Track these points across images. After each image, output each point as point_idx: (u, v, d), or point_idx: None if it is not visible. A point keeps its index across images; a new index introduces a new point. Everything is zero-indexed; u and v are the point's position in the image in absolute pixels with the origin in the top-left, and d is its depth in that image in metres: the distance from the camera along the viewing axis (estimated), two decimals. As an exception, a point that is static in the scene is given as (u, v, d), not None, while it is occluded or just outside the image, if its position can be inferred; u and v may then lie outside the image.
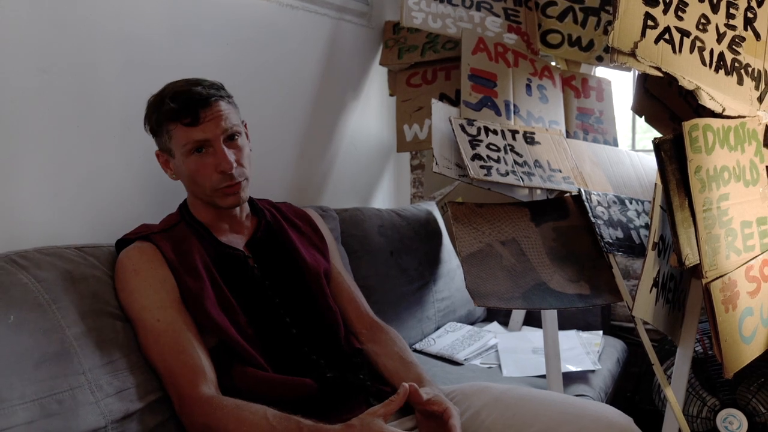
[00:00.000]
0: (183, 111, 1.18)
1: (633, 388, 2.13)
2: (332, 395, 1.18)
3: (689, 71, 1.44)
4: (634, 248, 1.72)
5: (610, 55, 1.37)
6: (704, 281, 1.37)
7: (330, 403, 1.16)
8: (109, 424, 1.07)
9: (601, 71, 2.28)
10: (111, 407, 1.08)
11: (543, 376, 1.69)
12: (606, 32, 2.06)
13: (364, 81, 2.30)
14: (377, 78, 2.35)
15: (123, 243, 1.25)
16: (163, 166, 1.30)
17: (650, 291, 1.44)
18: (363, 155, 2.34)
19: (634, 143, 2.43)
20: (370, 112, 2.36)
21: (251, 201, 1.38)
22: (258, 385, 1.16)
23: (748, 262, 1.46)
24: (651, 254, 1.42)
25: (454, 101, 2.04)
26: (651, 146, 1.42)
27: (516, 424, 1.10)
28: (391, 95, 2.28)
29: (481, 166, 1.68)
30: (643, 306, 1.41)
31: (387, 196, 2.52)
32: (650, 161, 2.06)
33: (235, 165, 1.22)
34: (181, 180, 1.28)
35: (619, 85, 2.23)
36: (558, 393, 1.46)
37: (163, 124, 1.22)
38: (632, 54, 1.37)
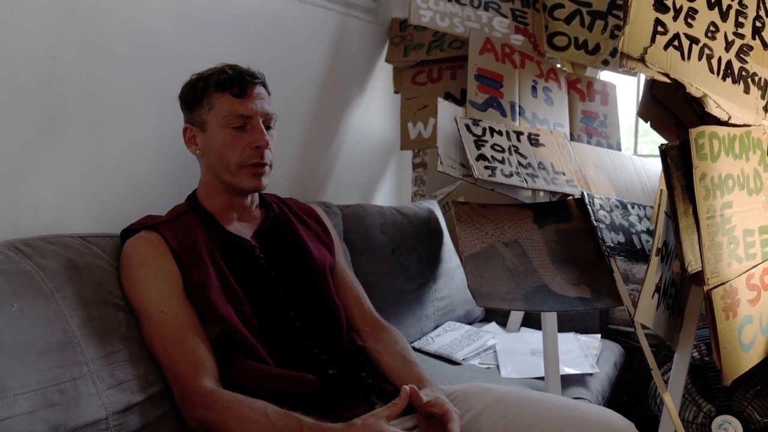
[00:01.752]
0: (234, 81, 1.24)
1: (629, 392, 2.13)
2: (334, 392, 1.18)
3: (697, 78, 1.45)
4: (635, 253, 1.72)
5: (619, 60, 1.37)
6: (706, 288, 1.38)
7: (331, 399, 1.16)
8: (110, 416, 1.07)
9: (606, 75, 2.28)
10: (112, 399, 1.08)
11: (541, 378, 1.69)
12: (613, 36, 2.06)
13: (370, 77, 2.30)
14: (382, 75, 2.34)
15: (128, 233, 1.25)
16: (188, 141, 1.30)
17: (652, 297, 1.44)
18: (366, 152, 2.34)
19: (636, 148, 2.44)
20: (375, 108, 2.36)
21: (260, 194, 1.38)
22: (259, 379, 1.16)
23: (749, 270, 1.47)
24: (654, 260, 1.43)
25: (459, 100, 2.04)
26: (651, 151, 1.42)
27: (517, 427, 1.11)
28: (395, 92, 2.28)
29: (486, 167, 1.68)
30: (645, 311, 1.42)
31: (388, 193, 2.51)
32: (652, 166, 2.07)
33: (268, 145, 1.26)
34: (204, 157, 1.28)
35: (624, 89, 2.23)
36: (559, 396, 1.46)
37: (208, 93, 1.25)
38: (642, 60, 1.37)
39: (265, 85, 1.30)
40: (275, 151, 1.31)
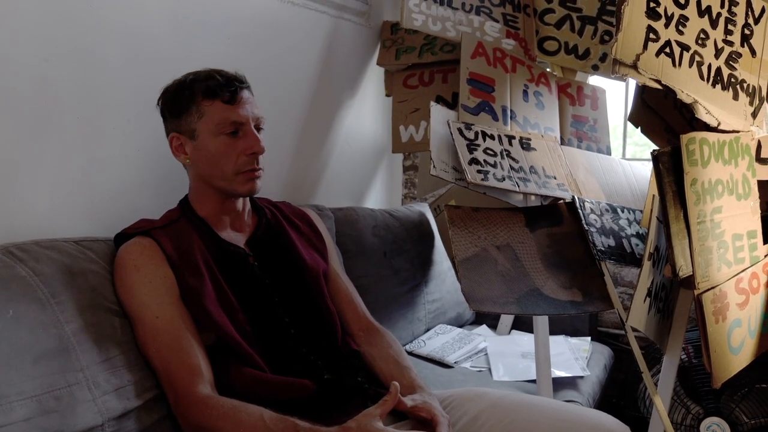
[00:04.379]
0: (224, 87, 1.21)
1: (618, 394, 2.15)
2: (329, 397, 1.18)
3: (688, 85, 1.47)
4: (625, 256, 1.74)
5: (612, 66, 1.38)
6: (696, 292, 1.40)
7: (327, 405, 1.16)
8: (106, 422, 1.06)
9: (595, 80, 2.30)
10: (108, 405, 1.07)
11: (533, 381, 1.71)
12: (602, 41, 2.08)
13: (361, 80, 2.30)
14: (374, 78, 2.35)
15: (122, 238, 1.24)
16: (175, 150, 1.27)
17: (644, 301, 1.46)
18: (357, 155, 2.34)
19: (625, 152, 2.46)
20: (366, 111, 2.36)
21: (252, 199, 1.37)
22: (255, 385, 1.15)
23: (738, 274, 1.49)
24: (647, 264, 1.44)
25: (451, 104, 2.05)
26: (635, 153, 1.44)
27: (513, 431, 1.11)
28: (387, 96, 2.28)
29: (478, 171, 1.69)
30: (637, 315, 1.43)
31: (379, 196, 2.52)
32: (642, 170, 2.09)
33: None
34: (194, 165, 1.26)
35: (612, 93, 2.26)
36: (555, 400, 1.47)
37: (197, 101, 1.21)
38: (634, 66, 1.39)
39: (250, 89, 1.28)
40: (267, 154, 1.29)
